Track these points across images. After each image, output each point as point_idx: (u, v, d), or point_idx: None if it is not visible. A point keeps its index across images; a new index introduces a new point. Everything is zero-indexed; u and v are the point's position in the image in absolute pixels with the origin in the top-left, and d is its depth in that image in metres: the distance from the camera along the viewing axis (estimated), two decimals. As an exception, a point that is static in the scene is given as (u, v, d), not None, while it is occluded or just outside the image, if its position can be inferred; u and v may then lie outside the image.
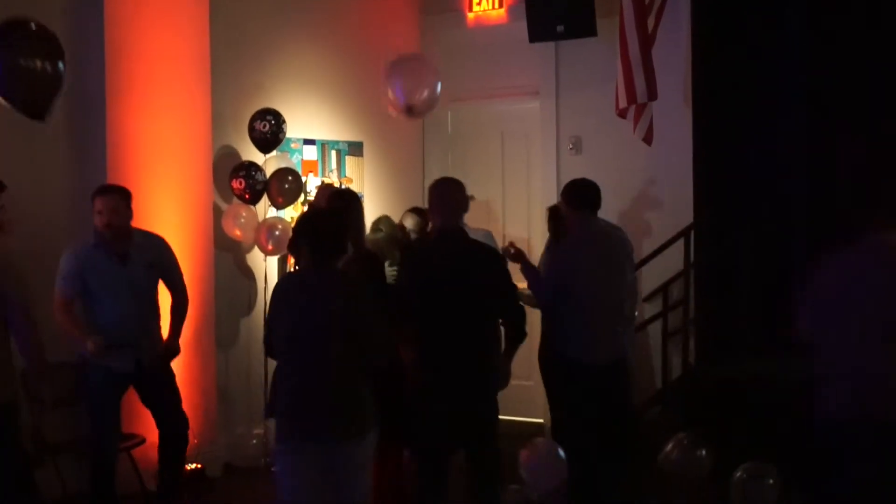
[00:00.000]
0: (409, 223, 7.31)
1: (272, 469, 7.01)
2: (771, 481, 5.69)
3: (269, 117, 7.61)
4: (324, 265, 4.59)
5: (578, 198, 6.04)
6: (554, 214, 6.43)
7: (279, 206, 7.73)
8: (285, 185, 7.61)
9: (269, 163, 7.70)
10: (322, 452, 4.46)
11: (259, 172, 7.49)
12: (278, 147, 7.79)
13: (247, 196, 7.46)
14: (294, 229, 4.81)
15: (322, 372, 4.48)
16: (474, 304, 5.21)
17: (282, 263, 7.93)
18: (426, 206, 5.66)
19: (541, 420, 8.30)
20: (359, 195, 6.56)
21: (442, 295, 5.17)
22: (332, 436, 4.47)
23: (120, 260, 5.79)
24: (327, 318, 4.47)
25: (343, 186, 8.37)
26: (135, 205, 6.00)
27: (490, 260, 5.43)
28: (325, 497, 4.48)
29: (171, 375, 6.09)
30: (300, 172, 8.07)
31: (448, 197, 5.40)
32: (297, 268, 4.99)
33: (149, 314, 5.98)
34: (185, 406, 6.15)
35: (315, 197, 7.45)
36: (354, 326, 4.48)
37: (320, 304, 4.49)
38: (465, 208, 5.49)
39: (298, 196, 7.78)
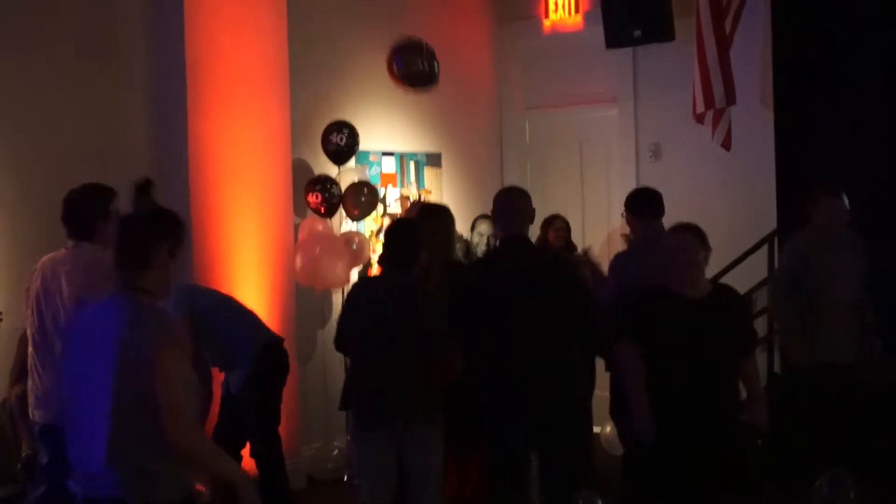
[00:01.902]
0: (484, 228, 7.46)
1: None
2: (852, 494, 5.52)
3: (345, 130, 7.65)
4: (397, 271, 5.01)
5: (642, 206, 6.03)
6: None
7: (355, 219, 7.75)
8: (361, 198, 7.63)
9: (344, 176, 7.73)
10: (395, 435, 4.96)
11: (335, 186, 7.53)
12: (354, 159, 7.83)
13: (322, 209, 7.50)
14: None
15: (394, 364, 4.92)
16: (541, 315, 5.08)
17: (363, 275, 7.90)
18: None
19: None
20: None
21: (505, 306, 5.09)
22: (404, 418, 4.93)
23: None
24: (398, 317, 4.92)
25: (425, 200, 8.40)
26: (216, 219, 6.11)
27: (560, 269, 5.33)
28: (397, 477, 5.01)
29: (250, 410, 6.04)
30: (379, 184, 8.11)
31: (509, 206, 5.30)
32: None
33: None
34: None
35: (406, 212, 7.53)
36: (421, 327, 4.91)
37: (393, 306, 4.95)
38: (528, 217, 5.38)
39: (374, 208, 7.79)
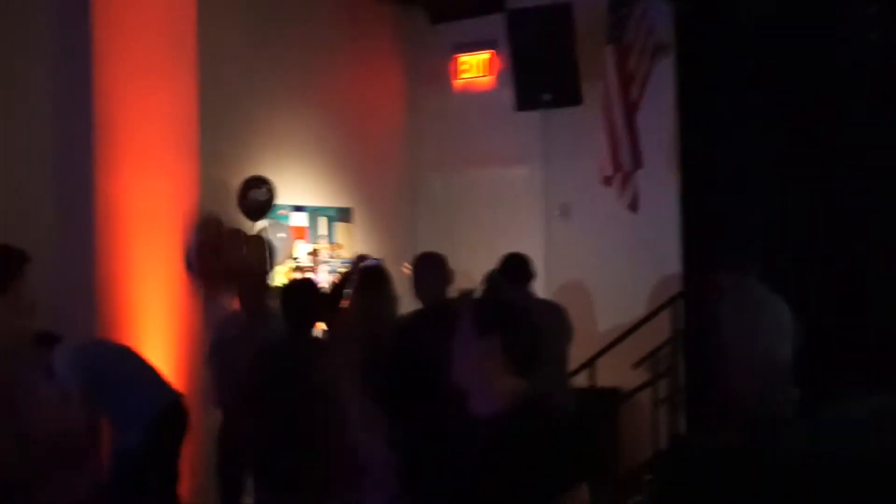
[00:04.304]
0: None
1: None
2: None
3: (264, 186, 7.64)
4: (297, 330, 5.00)
5: (511, 272, 6.14)
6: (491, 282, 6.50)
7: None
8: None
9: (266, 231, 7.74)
10: (299, 499, 4.82)
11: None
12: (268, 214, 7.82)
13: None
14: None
15: (292, 429, 4.82)
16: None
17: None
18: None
19: None
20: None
21: (412, 373, 5.16)
22: (306, 487, 4.78)
23: None
24: (296, 380, 4.83)
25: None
26: (122, 273, 6.05)
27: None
28: None
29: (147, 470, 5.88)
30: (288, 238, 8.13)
31: (422, 272, 5.45)
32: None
33: None
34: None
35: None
36: (317, 389, 4.81)
37: (293, 368, 4.87)
38: (436, 282, 5.45)
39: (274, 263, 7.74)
